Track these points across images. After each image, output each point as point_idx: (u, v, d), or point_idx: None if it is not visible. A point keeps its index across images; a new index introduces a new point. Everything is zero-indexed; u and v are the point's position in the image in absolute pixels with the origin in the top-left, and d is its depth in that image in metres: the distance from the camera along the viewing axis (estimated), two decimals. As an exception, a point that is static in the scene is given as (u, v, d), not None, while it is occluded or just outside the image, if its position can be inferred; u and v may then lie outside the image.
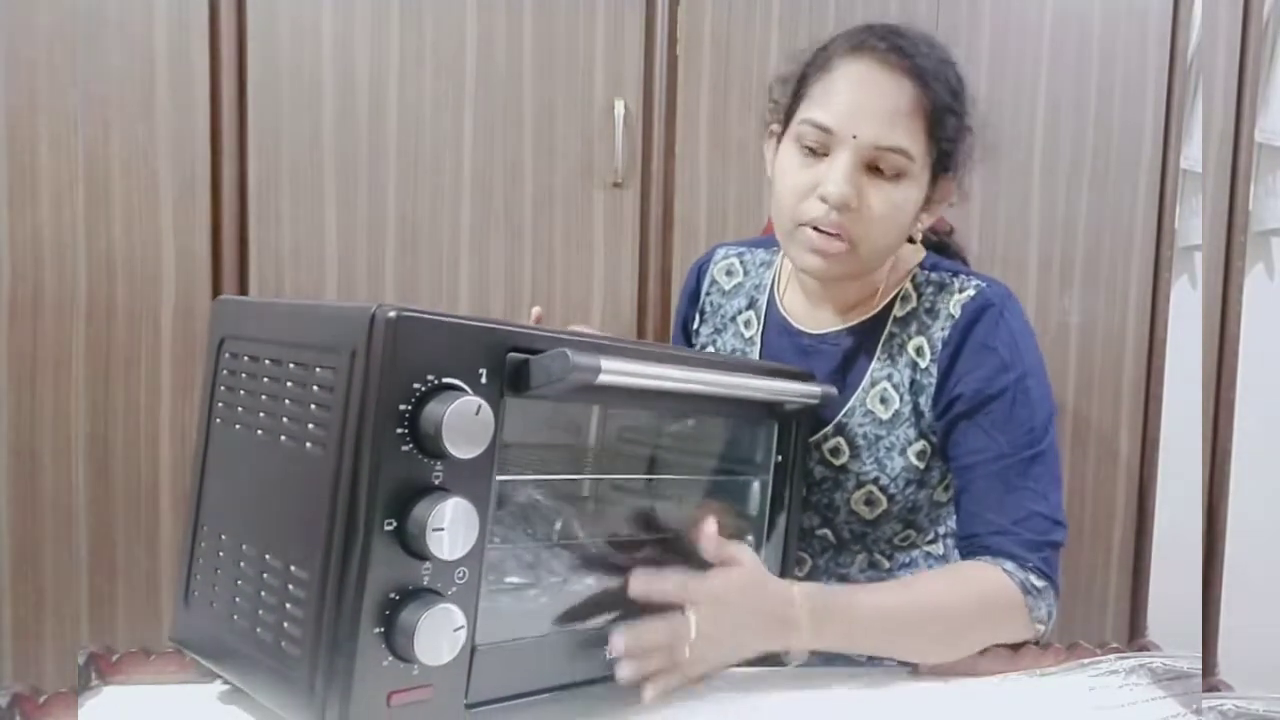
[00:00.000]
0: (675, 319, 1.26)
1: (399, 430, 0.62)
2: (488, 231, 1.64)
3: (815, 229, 0.95)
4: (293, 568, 0.66)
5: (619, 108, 1.64)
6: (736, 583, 0.80)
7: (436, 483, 0.64)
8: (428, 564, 0.64)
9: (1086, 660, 0.94)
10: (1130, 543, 1.87)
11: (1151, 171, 1.82)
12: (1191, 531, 1.85)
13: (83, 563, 1.54)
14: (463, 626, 0.64)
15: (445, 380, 0.64)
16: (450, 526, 0.62)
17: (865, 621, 0.85)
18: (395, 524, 0.63)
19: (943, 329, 1.00)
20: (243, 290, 1.58)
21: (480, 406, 0.63)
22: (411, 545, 0.63)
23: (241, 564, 0.71)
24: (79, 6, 1.48)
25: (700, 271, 1.21)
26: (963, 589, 0.91)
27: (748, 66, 1.68)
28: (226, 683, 0.77)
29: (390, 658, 0.63)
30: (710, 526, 0.82)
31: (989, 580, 0.92)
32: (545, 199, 1.65)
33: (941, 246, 1.19)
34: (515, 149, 1.64)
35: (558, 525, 0.87)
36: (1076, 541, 1.84)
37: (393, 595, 0.63)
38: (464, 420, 0.62)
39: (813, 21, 1.67)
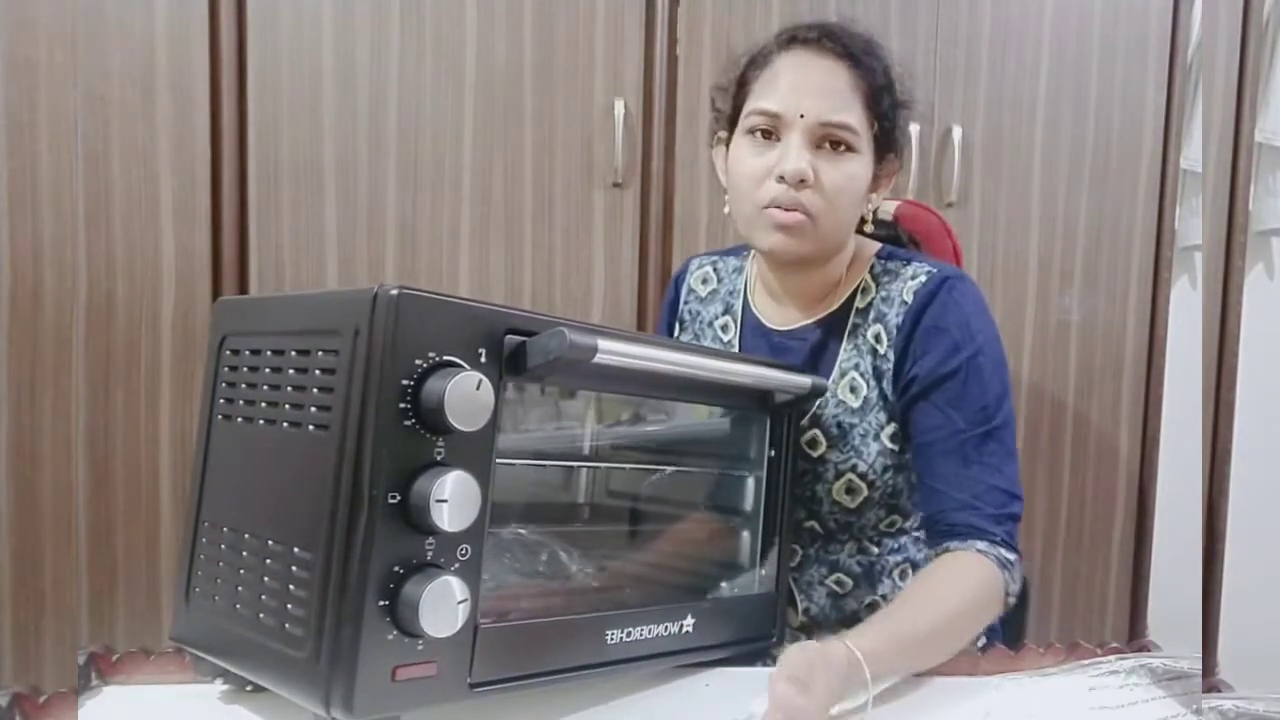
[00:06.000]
0: (659, 331, 1.28)
1: (402, 405, 0.63)
2: (488, 231, 1.64)
3: (776, 208, 0.99)
4: (296, 549, 0.66)
5: (619, 108, 1.64)
6: (818, 694, 0.74)
7: (439, 458, 0.65)
8: (431, 539, 0.65)
9: (1086, 660, 0.94)
10: (1130, 543, 1.87)
11: (1151, 171, 1.82)
12: (1191, 531, 1.86)
13: (83, 563, 1.54)
14: (466, 600, 0.65)
15: (446, 358, 0.65)
16: (453, 498, 0.63)
17: (910, 649, 0.86)
18: (399, 498, 0.63)
19: (897, 315, 1.04)
20: (243, 290, 1.58)
21: (481, 381, 0.64)
22: (415, 518, 0.64)
23: (244, 553, 0.71)
24: (79, 6, 1.48)
25: (678, 282, 1.25)
26: (965, 586, 0.93)
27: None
28: (227, 683, 0.77)
29: (395, 631, 0.64)
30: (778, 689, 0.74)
31: (977, 569, 0.94)
32: (545, 199, 1.65)
33: (893, 239, 1.22)
34: (515, 149, 1.64)
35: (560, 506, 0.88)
36: (1076, 541, 1.85)
37: (397, 569, 0.64)
38: (465, 394, 0.64)
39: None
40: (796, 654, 0.77)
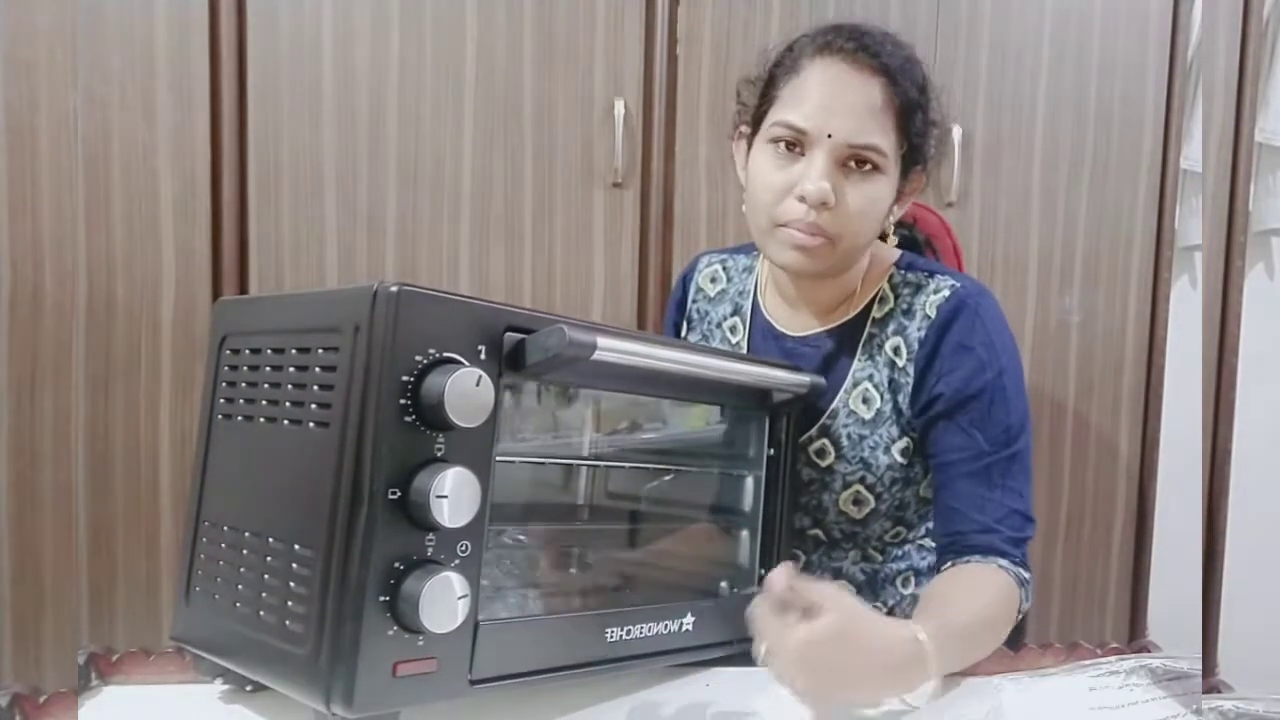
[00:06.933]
0: (665, 329, 1.27)
1: (402, 401, 0.64)
2: (488, 231, 1.64)
3: (794, 228, 0.96)
4: (297, 546, 0.66)
5: (619, 108, 1.64)
6: (824, 633, 0.71)
7: (439, 455, 0.66)
8: (431, 535, 0.65)
9: (1086, 660, 0.94)
10: (1130, 543, 1.87)
11: (1151, 171, 1.82)
12: (1191, 531, 1.86)
13: (83, 563, 1.54)
14: (466, 595, 0.65)
15: (446, 355, 0.66)
16: (453, 494, 0.64)
17: (962, 644, 0.84)
18: (399, 494, 0.64)
19: (919, 329, 1.02)
20: (243, 290, 1.58)
21: (480, 377, 0.65)
22: (415, 514, 0.64)
23: (244, 551, 0.71)
24: (79, 6, 1.48)
25: (686, 280, 1.23)
26: (995, 595, 0.92)
27: (748, 67, 1.68)
28: (227, 682, 0.77)
29: (395, 627, 0.64)
30: (777, 579, 0.73)
31: (1002, 582, 0.94)
32: (545, 199, 1.65)
33: (909, 241, 1.20)
34: (515, 149, 1.64)
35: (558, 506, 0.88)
36: (1076, 541, 1.85)
37: (397, 565, 0.64)
38: (465, 390, 0.64)
39: (813, 21, 1.66)
40: (834, 588, 0.73)
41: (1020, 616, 0.95)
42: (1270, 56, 1.92)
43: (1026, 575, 0.96)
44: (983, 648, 0.89)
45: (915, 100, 0.98)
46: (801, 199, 0.95)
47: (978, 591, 0.92)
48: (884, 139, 0.96)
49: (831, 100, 0.95)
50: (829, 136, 0.94)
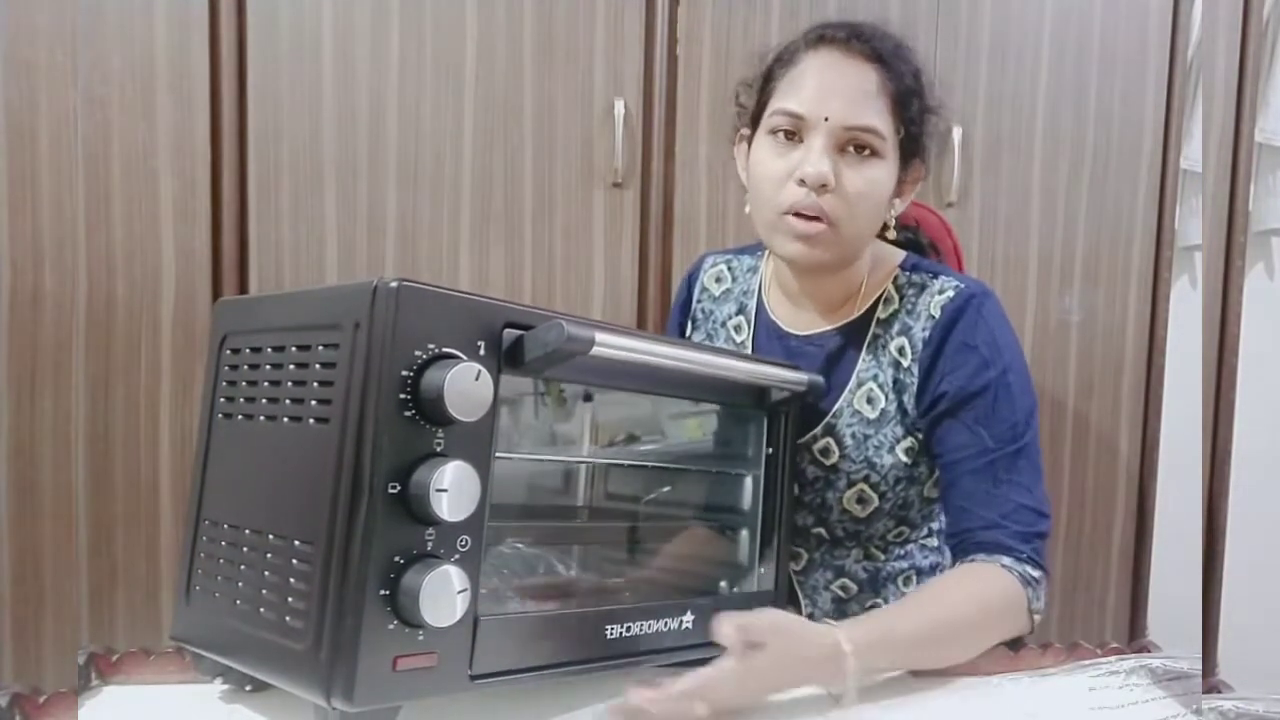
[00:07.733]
0: (670, 331, 1.27)
1: (401, 396, 0.64)
2: (488, 231, 1.64)
3: (796, 215, 0.97)
4: (297, 542, 0.67)
5: (619, 108, 1.64)
6: (763, 664, 0.76)
7: (438, 449, 0.66)
8: (430, 530, 0.65)
9: (1086, 660, 0.94)
10: (1130, 543, 1.87)
11: (1151, 171, 1.82)
12: (1191, 531, 1.86)
13: (83, 563, 1.54)
14: (466, 590, 0.65)
15: (445, 350, 0.66)
16: (452, 487, 0.64)
17: (903, 646, 0.86)
18: (399, 488, 0.64)
19: (924, 329, 1.02)
20: (243, 290, 1.58)
21: (480, 372, 0.65)
22: (415, 508, 0.64)
23: (245, 549, 0.71)
24: (79, 7, 1.48)
25: (690, 280, 1.23)
26: (977, 595, 0.92)
27: (747, 67, 1.68)
28: (227, 682, 0.77)
29: (395, 622, 0.64)
30: (722, 626, 0.77)
31: (996, 581, 0.93)
32: (545, 199, 1.65)
33: (914, 244, 1.21)
34: (515, 149, 1.64)
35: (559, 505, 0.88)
36: (1076, 541, 1.85)
37: (397, 559, 0.64)
38: (464, 385, 0.64)
39: (813, 22, 1.67)
40: (769, 615, 0.78)
41: (1038, 616, 0.94)
42: (1270, 56, 1.92)
43: (1035, 574, 0.94)
44: (951, 649, 0.89)
45: (910, 86, 1.00)
46: (801, 182, 0.96)
47: (954, 597, 0.92)
48: (881, 122, 0.97)
49: (827, 86, 0.97)
50: (825, 120, 0.96)
